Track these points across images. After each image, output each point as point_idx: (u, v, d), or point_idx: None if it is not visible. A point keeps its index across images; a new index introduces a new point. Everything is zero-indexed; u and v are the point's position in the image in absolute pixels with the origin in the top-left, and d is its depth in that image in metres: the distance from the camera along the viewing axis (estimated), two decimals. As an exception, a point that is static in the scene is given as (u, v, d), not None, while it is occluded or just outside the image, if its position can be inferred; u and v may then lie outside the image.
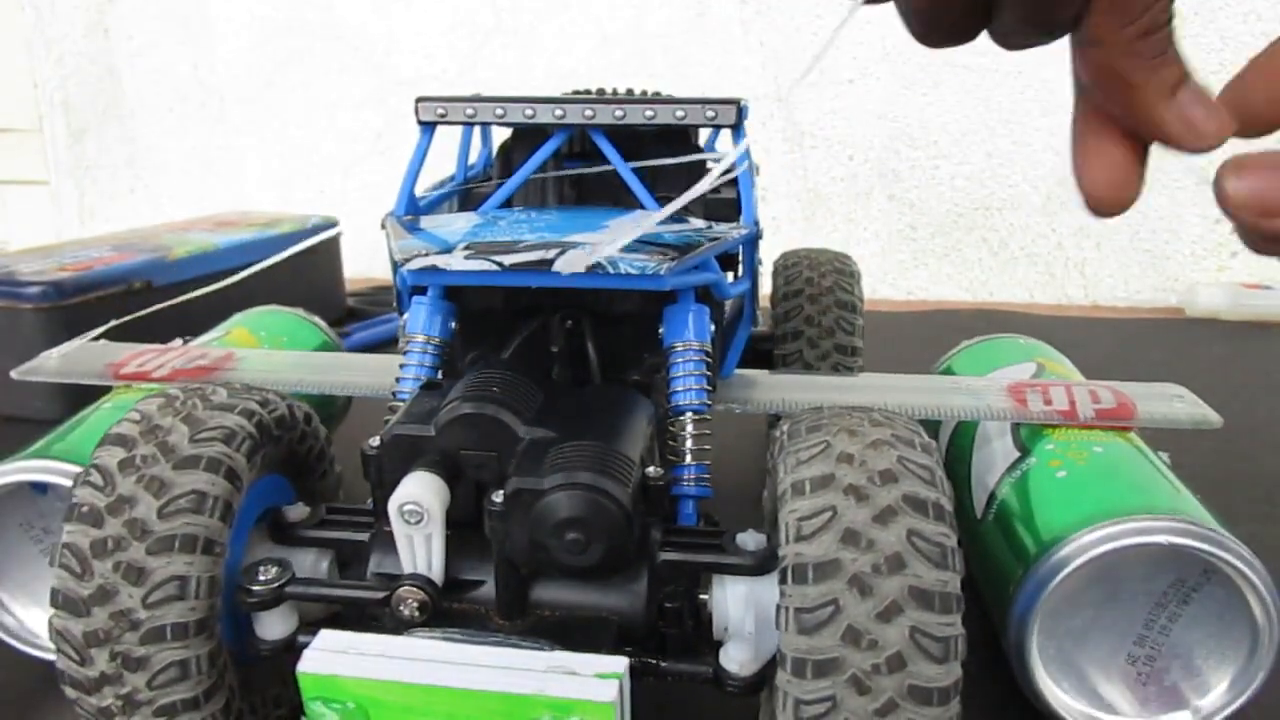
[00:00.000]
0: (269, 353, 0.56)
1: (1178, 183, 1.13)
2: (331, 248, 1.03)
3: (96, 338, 0.52)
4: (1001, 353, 0.56)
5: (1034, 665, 0.38)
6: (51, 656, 0.31)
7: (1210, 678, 0.38)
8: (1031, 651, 0.37)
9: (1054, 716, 0.38)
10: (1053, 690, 0.38)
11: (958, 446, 0.49)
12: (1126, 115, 0.30)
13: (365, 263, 1.10)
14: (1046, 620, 0.37)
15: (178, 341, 0.54)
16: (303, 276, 0.93)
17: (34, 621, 0.43)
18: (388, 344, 0.95)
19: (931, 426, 0.54)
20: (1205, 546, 0.36)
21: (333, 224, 1.00)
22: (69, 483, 0.41)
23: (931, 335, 0.62)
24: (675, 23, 1.20)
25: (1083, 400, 0.45)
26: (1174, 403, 0.46)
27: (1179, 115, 0.30)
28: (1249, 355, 0.84)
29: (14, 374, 0.50)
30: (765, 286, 0.61)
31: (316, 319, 0.63)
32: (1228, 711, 0.38)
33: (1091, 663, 0.38)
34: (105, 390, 0.49)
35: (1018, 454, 0.44)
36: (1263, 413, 0.75)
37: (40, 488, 0.42)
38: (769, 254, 0.61)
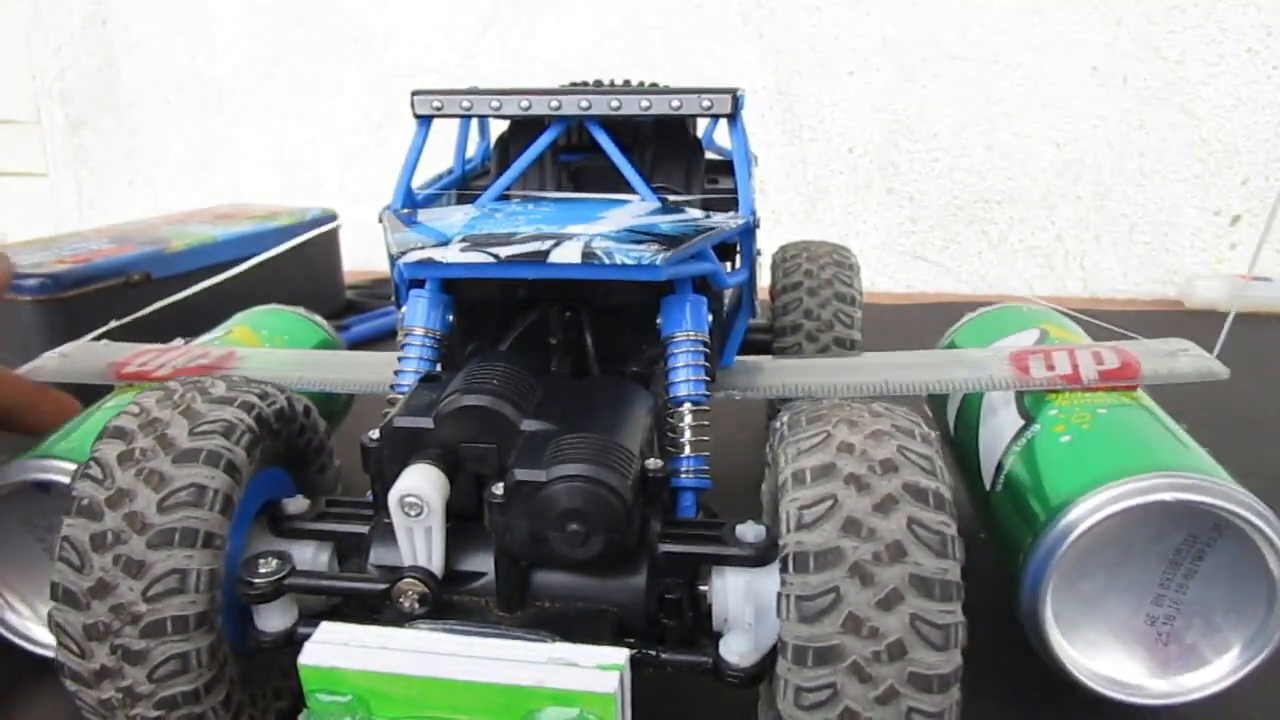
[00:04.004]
0: (270, 351, 0.56)
1: (1177, 175, 1.13)
2: (331, 241, 1.03)
3: (98, 336, 0.52)
4: (1005, 322, 0.56)
5: (1050, 632, 0.37)
6: (52, 654, 0.31)
7: (1231, 634, 0.38)
8: (1046, 618, 0.37)
9: (1074, 683, 0.38)
10: (1071, 656, 0.38)
11: (965, 420, 0.49)
12: None
13: (365, 255, 1.09)
14: (1059, 586, 0.37)
15: (179, 341, 0.54)
16: (302, 270, 0.93)
17: (37, 620, 0.43)
18: (387, 337, 0.95)
19: (939, 401, 0.54)
20: (1212, 500, 0.36)
21: (332, 217, 0.99)
22: (63, 479, 0.41)
23: (931, 328, 0.62)
24: (674, 14, 1.20)
25: (1086, 363, 0.45)
26: (1179, 357, 0.46)
27: None
28: (1248, 347, 0.84)
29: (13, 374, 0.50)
30: (764, 278, 0.60)
31: (317, 317, 0.63)
32: (1249, 667, 0.37)
33: (1109, 626, 0.38)
34: (108, 389, 0.49)
35: (1022, 422, 0.44)
36: (1262, 405, 0.75)
37: (43, 487, 0.42)
38: (768, 247, 0.61)
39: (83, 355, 0.51)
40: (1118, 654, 0.38)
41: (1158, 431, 0.41)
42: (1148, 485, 0.36)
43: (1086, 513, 0.36)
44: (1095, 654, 0.38)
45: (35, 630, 0.43)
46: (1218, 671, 0.38)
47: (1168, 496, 0.36)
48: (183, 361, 0.49)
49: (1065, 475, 0.39)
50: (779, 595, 0.28)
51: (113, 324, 0.52)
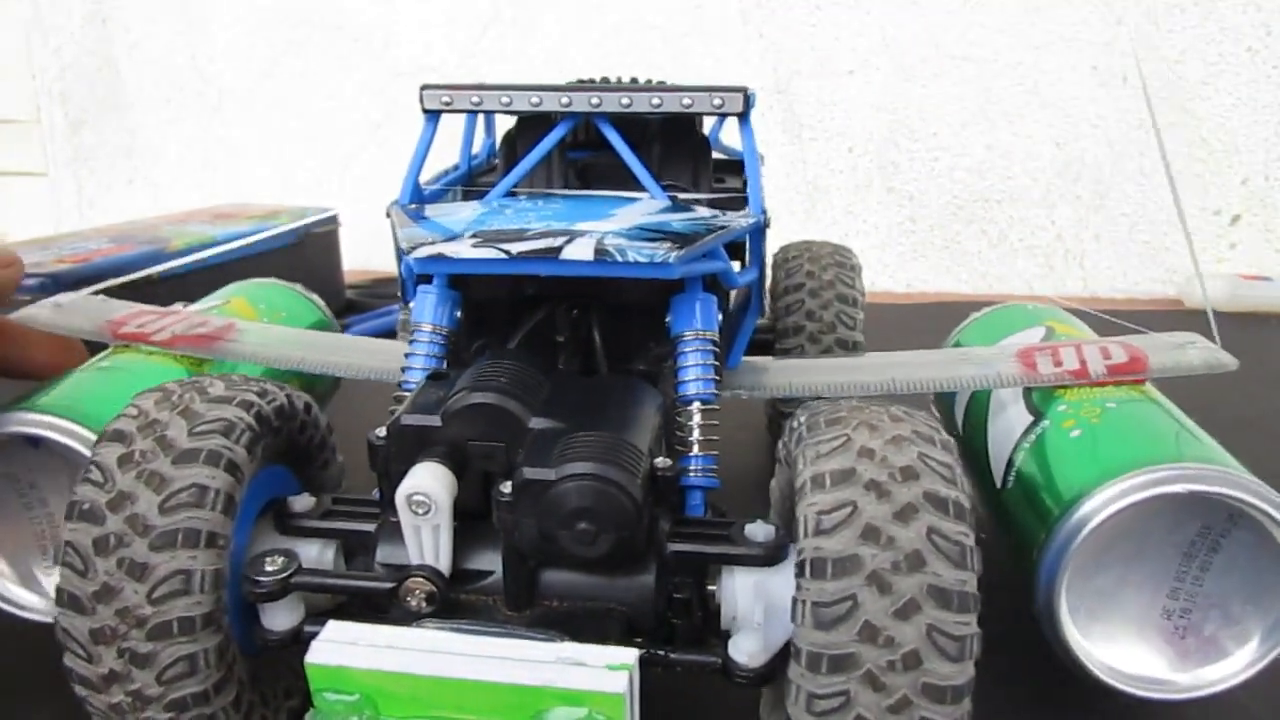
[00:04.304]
0: (269, 327, 0.54)
1: (1177, 174, 1.13)
2: (330, 240, 1.02)
3: (96, 292, 0.51)
4: (1010, 320, 0.56)
5: (1066, 628, 0.37)
6: (30, 615, 0.31)
7: (1249, 625, 0.37)
8: (1061, 614, 0.37)
9: (1091, 679, 0.38)
10: (1087, 651, 0.37)
11: (973, 418, 0.49)
12: None
13: (365, 255, 1.09)
14: (1074, 581, 0.37)
15: (178, 306, 0.53)
16: (301, 269, 0.93)
17: (15, 580, 0.43)
18: (388, 336, 0.95)
19: (946, 400, 0.54)
20: (1225, 490, 0.35)
21: (332, 216, 0.99)
22: (54, 435, 0.40)
23: (931, 327, 0.62)
24: (674, 14, 1.20)
25: (1093, 358, 0.45)
26: (1187, 350, 0.45)
27: None
28: (1248, 347, 0.84)
29: (9, 319, 0.48)
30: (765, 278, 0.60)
31: (314, 296, 0.62)
32: (1269, 659, 0.37)
33: (1126, 621, 0.38)
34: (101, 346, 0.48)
35: (1031, 419, 0.43)
36: (1262, 404, 0.75)
37: (32, 441, 0.41)
38: (769, 247, 0.60)
39: (80, 308, 0.49)
40: (1135, 649, 0.38)
41: (1168, 424, 0.40)
42: (1160, 477, 0.36)
43: (1099, 506, 0.36)
44: (1112, 649, 0.38)
45: (15, 590, 0.43)
46: (1237, 664, 0.37)
47: (1181, 488, 0.35)
48: (181, 328, 0.48)
49: (1077, 470, 0.38)
50: (794, 600, 0.28)
51: (111, 282, 0.50)
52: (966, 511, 0.29)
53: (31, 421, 0.41)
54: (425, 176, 0.49)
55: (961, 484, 0.29)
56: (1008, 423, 0.45)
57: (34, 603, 0.43)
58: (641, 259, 0.35)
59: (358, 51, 1.30)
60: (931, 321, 0.63)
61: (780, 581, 0.32)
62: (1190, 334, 0.47)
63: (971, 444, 0.48)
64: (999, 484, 0.44)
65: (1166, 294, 1.15)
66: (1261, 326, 0.97)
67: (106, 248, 0.81)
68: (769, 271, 0.64)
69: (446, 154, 0.54)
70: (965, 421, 0.50)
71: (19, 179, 1.46)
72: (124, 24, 1.37)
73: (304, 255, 0.95)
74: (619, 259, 0.35)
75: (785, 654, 0.31)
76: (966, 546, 0.28)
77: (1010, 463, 0.43)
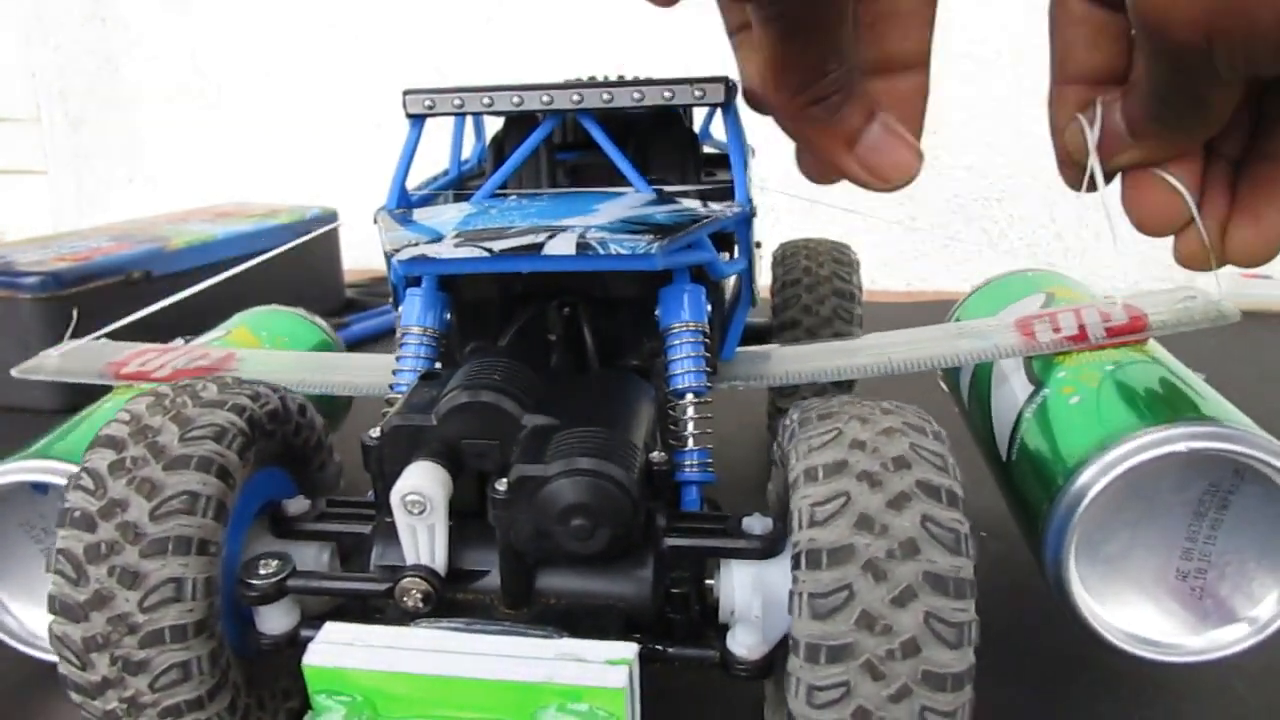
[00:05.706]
0: (270, 353, 0.55)
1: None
2: (330, 239, 1.03)
3: (98, 337, 0.52)
4: (1010, 289, 0.55)
5: (1077, 596, 0.37)
6: (53, 658, 0.31)
7: (1266, 580, 0.37)
8: (1071, 583, 0.36)
9: (1109, 646, 0.37)
10: (1101, 619, 0.37)
11: (977, 392, 0.49)
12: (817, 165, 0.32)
13: (364, 254, 1.09)
14: (1084, 549, 0.37)
15: (179, 341, 0.54)
16: (301, 268, 0.93)
17: (34, 622, 0.43)
18: (387, 335, 0.95)
19: (955, 376, 0.54)
20: (1226, 446, 0.35)
21: (333, 216, 0.99)
22: (60, 481, 0.40)
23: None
24: (675, 10, 1.20)
25: (1093, 321, 0.44)
26: (1187, 304, 0.45)
27: (860, 165, 0.33)
28: (1247, 344, 0.84)
29: (14, 372, 0.49)
30: (765, 276, 0.60)
31: (317, 319, 0.63)
32: None
33: (1140, 585, 0.38)
34: (107, 385, 0.49)
35: (1032, 388, 0.43)
36: (1262, 402, 0.74)
37: (41, 488, 0.41)
38: (769, 246, 0.60)
39: (81, 354, 0.50)
40: (1152, 613, 0.37)
41: (1168, 382, 0.40)
42: (1159, 438, 0.35)
43: (1099, 473, 0.36)
44: (1129, 615, 0.37)
45: (30, 632, 0.43)
46: (1254, 624, 0.37)
47: (1181, 446, 0.35)
48: (183, 362, 0.49)
49: (1077, 437, 0.38)
50: (791, 593, 0.28)
51: (112, 326, 0.51)
52: (959, 499, 0.28)
53: (37, 468, 0.41)
54: (419, 181, 0.49)
55: (954, 472, 0.29)
56: (1010, 394, 0.45)
57: None
58: (624, 251, 0.34)
59: (357, 50, 1.30)
60: (932, 320, 0.63)
61: (777, 574, 0.32)
62: (1189, 288, 0.47)
63: (977, 418, 0.48)
64: (1004, 456, 0.43)
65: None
66: (1261, 325, 0.97)
67: (106, 246, 0.81)
68: (767, 269, 0.64)
69: (443, 159, 0.53)
70: (970, 396, 0.50)
71: (19, 177, 1.46)
72: (123, 22, 1.37)
73: (305, 254, 0.95)
74: (601, 252, 0.34)
75: (784, 646, 0.30)
76: (961, 533, 0.28)
77: (1014, 434, 0.43)
